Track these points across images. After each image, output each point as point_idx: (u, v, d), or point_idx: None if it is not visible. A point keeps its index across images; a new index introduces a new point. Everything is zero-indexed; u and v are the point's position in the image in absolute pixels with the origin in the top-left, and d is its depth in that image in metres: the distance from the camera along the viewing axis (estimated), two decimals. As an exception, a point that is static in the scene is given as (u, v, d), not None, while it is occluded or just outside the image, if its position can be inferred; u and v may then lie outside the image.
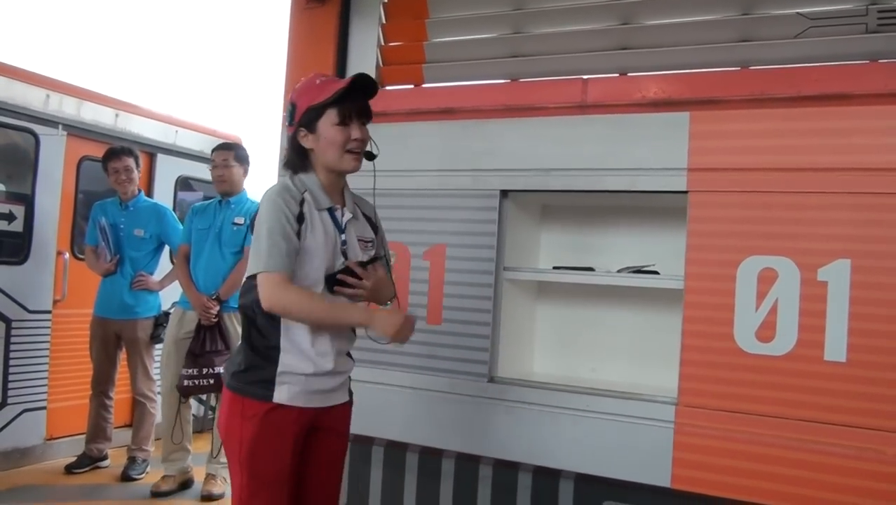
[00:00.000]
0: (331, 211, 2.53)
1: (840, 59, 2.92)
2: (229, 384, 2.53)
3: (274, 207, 2.40)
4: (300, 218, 2.42)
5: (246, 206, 4.99)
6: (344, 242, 2.53)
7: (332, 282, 2.47)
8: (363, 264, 2.52)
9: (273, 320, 2.44)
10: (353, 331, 2.65)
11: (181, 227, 5.29)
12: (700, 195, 2.93)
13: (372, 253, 2.64)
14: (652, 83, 3.15)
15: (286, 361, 2.44)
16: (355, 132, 2.48)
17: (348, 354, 2.64)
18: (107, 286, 5.37)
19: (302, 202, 2.45)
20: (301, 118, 2.51)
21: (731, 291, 2.85)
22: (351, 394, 2.70)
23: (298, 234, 2.40)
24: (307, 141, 2.52)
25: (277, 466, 2.43)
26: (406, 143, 3.48)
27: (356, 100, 2.49)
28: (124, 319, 5.33)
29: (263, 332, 2.47)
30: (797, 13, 2.97)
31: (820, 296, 2.72)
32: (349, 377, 2.68)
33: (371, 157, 2.58)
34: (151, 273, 5.45)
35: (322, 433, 2.58)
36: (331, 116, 2.46)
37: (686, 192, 2.95)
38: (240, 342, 2.62)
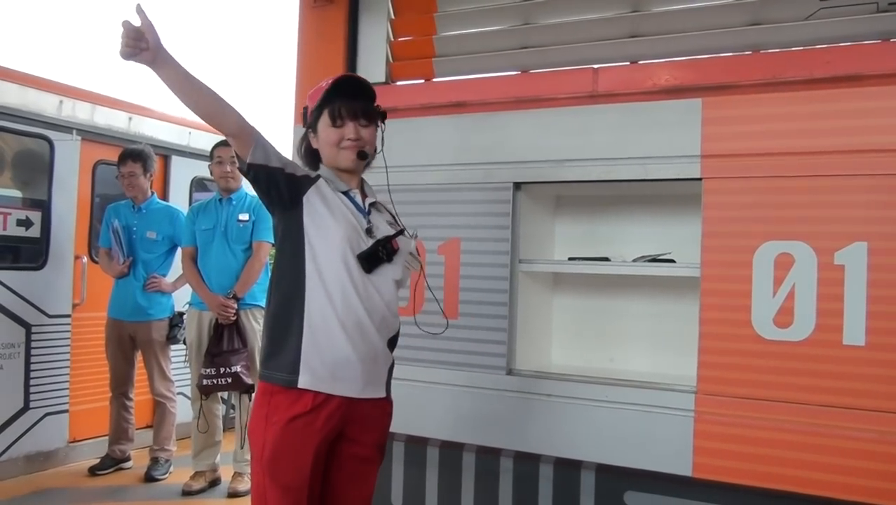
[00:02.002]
0: (348, 195, 2.55)
1: (852, 40, 2.89)
2: (260, 373, 2.55)
3: None
4: (300, 181, 2.48)
5: (247, 200, 5.01)
6: (369, 222, 2.54)
7: (365, 260, 2.46)
8: (388, 238, 2.52)
9: (295, 304, 2.43)
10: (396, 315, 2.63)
11: None
12: (714, 182, 2.92)
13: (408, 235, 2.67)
14: (663, 70, 3.14)
15: (308, 343, 2.41)
16: (349, 132, 2.51)
17: (389, 346, 2.60)
18: (120, 288, 5.41)
19: (315, 178, 2.51)
20: (309, 120, 2.60)
21: (747, 277, 2.83)
22: (390, 396, 2.66)
23: (291, 181, 2.46)
24: (314, 141, 2.61)
25: (299, 473, 2.41)
26: (418, 137, 3.48)
27: (349, 100, 2.52)
28: (138, 321, 5.36)
29: (286, 316, 2.46)
30: (808, -5, 2.95)
31: (837, 280, 2.70)
32: (389, 373, 2.63)
33: (363, 156, 2.57)
34: (164, 275, 5.48)
35: (350, 444, 2.55)
36: (325, 117, 2.53)
37: (700, 179, 2.94)
38: (261, 337, 2.62)
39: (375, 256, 2.48)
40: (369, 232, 2.51)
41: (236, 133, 2.41)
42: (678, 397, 2.94)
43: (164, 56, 2.27)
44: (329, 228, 2.44)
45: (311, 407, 2.41)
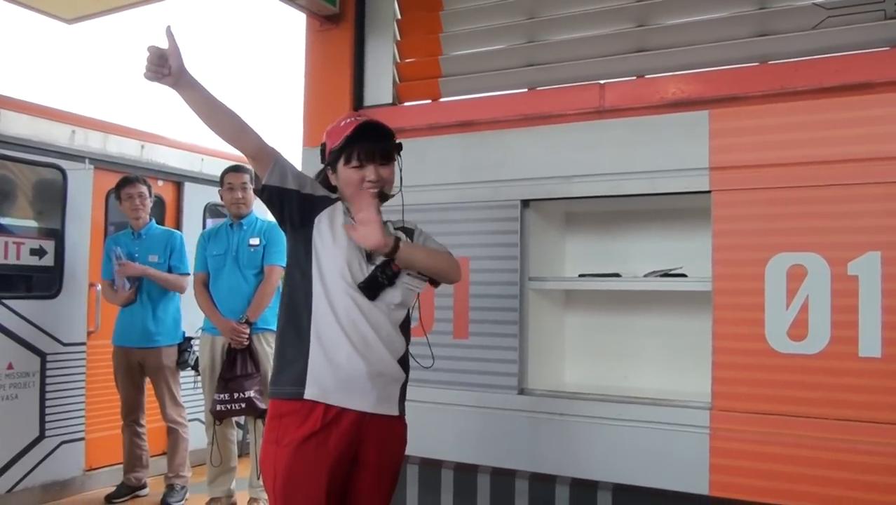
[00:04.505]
0: None
1: (860, 48, 2.87)
2: (269, 392, 2.53)
3: None
4: (317, 200, 2.50)
5: (258, 225, 5.00)
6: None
7: (366, 288, 2.45)
8: (388, 262, 2.47)
9: (303, 319, 2.43)
10: (405, 333, 2.60)
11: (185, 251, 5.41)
12: (723, 194, 2.89)
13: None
14: (670, 84, 3.12)
15: (315, 357, 2.41)
16: (370, 174, 2.50)
17: (401, 364, 2.56)
18: (126, 315, 5.37)
19: (336, 199, 2.53)
20: (328, 158, 2.58)
21: (760, 290, 2.80)
22: (404, 419, 2.62)
23: (305, 203, 2.48)
24: (332, 179, 2.59)
25: (312, 496, 2.38)
26: (425, 157, 3.47)
27: (369, 142, 2.51)
28: (147, 347, 5.31)
29: (294, 331, 2.45)
30: (814, 4, 2.93)
31: (851, 291, 2.66)
32: (402, 392, 2.59)
33: (384, 197, 2.58)
34: (172, 300, 5.46)
35: (365, 471, 2.51)
36: (345, 159, 2.51)
37: (709, 191, 2.91)
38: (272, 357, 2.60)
39: (375, 282, 2.46)
40: (369, 258, 2.50)
41: (256, 154, 2.44)
42: (693, 414, 2.90)
43: (187, 79, 2.31)
44: (333, 248, 2.45)
45: (321, 424, 2.38)
